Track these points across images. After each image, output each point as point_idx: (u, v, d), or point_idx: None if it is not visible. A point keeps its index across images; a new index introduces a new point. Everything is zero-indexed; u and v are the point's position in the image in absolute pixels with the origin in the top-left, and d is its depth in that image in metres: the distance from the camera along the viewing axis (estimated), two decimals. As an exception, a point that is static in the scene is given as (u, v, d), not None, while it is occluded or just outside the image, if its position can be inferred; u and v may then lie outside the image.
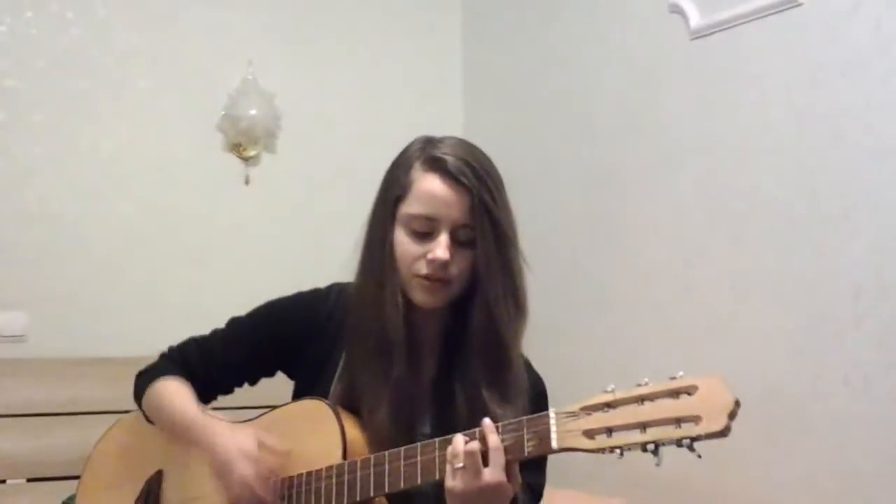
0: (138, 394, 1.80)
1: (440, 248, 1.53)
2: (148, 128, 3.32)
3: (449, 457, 1.40)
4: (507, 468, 1.39)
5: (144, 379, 1.80)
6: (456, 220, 1.54)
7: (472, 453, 1.38)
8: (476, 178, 1.54)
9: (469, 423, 1.45)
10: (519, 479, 1.42)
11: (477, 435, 1.40)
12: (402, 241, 1.57)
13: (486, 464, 1.38)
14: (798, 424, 2.48)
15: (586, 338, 3.20)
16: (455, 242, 1.55)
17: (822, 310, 2.45)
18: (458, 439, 1.41)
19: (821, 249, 2.46)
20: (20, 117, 3.13)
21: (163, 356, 1.83)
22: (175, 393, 1.73)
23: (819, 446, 2.43)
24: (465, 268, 1.56)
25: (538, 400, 1.62)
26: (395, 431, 1.54)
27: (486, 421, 1.41)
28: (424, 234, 1.56)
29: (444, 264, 1.54)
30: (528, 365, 1.67)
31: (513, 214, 1.60)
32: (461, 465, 1.38)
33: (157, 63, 3.35)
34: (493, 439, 1.38)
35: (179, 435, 1.72)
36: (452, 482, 1.40)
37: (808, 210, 2.50)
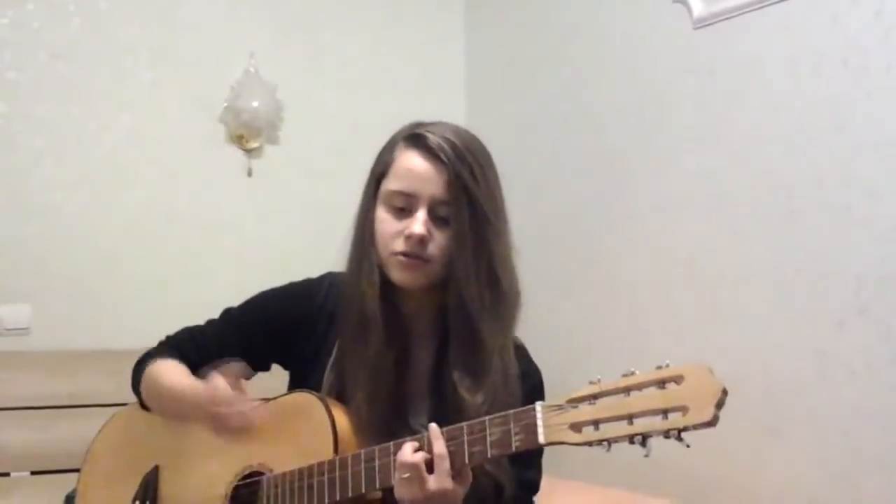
0: (135, 381, 1.79)
1: (416, 223, 1.51)
2: (150, 120, 3.32)
3: (397, 466, 1.40)
4: (459, 469, 1.38)
5: (140, 365, 1.79)
6: (434, 197, 1.52)
7: (414, 465, 1.38)
8: (455, 155, 1.52)
9: (454, 413, 1.45)
10: (469, 476, 1.41)
11: (424, 441, 1.40)
12: (382, 219, 1.55)
13: (431, 471, 1.38)
14: (802, 414, 2.48)
15: (588, 327, 3.20)
16: (434, 220, 1.53)
17: (825, 300, 2.44)
18: (406, 448, 1.40)
19: (823, 239, 2.45)
20: (22, 110, 3.14)
21: (160, 344, 1.82)
22: (170, 370, 1.72)
23: (823, 436, 2.42)
24: (445, 246, 1.53)
25: (532, 392, 1.57)
26: (375, 415, 1.53)
27: (432, 426, 1.40)
28: (403, 210, 1.54)
29: (421, 240, 1.51)
30: (523, 354, 1.64)
31: (498, 196, 1.57)
32: (407, 475, 1.38)
33: (159, 55, 3.35)
34: (438, 446, 1.38)
35: (173, 409, 1.71)
36: (399, 491, 1.41)
37: (810, 199, 2.49)
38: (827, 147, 2.45)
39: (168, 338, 1.83)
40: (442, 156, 1.52)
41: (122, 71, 3.28)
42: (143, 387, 1.77)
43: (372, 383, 1.55)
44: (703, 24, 2.82)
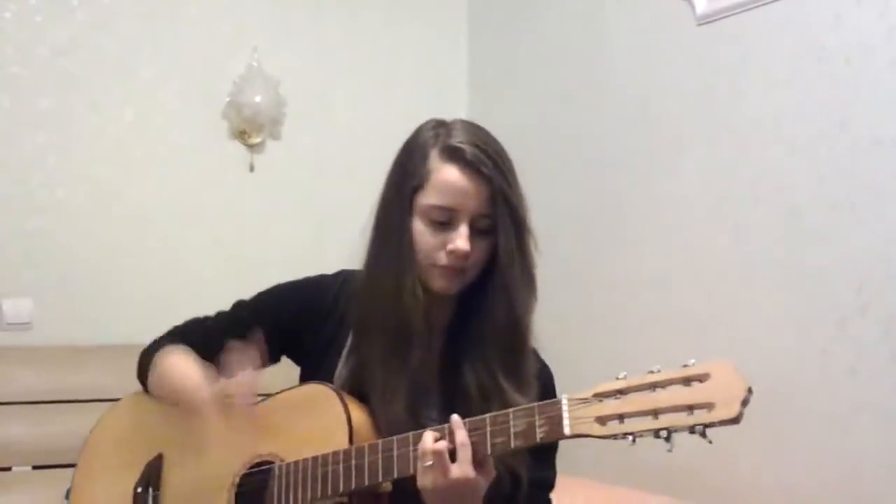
0: (142, 369, 1.81)
1: (461, 239, 1.54)
2: (153, 115, 3.32)
3: (419, 454, 1.42)
4: (482, 460, 1.40)
5: (148, 353, 1.81)
6: (475, 211, 1.55)
7: (438, 452, 1.40)
8: (494, 166, 1.54)
9: (481, 409, 1.46)
10: (493, 469, 1.43)
11: (445, 431, 1.42)
12: (421, 232, 1.57)
13: (454, 460, 1.39)
14: (803, 414, 2.48)
15: (590, 325, 3.20)
16: (473, 231, 1.55)
17: (826, 299, 2.44)
18: (428, 437, 1.42)
19: (825, 238, 2.45)
20: (25, 104, 3.13)
21: (167, 333, 1.84)
22: (179, 360, 1.73)
23: (825, 436, 2.42)
24: (483, 255, 1.57)
25: (545, 390, 1.62)
26: (410, 421, 1.54)
27: (454, 417, 1.42)
28: (443, 223, 1.56)
29: (465, 255, 1.55)
30: (535, 353, 1.66)
31: (524, 196, 1.60)
32: (430, 462, 1.40)
33: (162, 50, 3.35)
34: (460, 435, 1.40)
35: (179, 399, 1.71)
36: (422, 480, 1.42)
37: (812, 198, 2.49)
38: (830, 145, 2.45)
39: (176, 327, 1.84)
40: (483, 169, 1.54)
41: (125, 66, 3.28)
42: (150, 375, 1.79)
43: (413, 394, 1.57)
44: (706, 20, 2.82)
